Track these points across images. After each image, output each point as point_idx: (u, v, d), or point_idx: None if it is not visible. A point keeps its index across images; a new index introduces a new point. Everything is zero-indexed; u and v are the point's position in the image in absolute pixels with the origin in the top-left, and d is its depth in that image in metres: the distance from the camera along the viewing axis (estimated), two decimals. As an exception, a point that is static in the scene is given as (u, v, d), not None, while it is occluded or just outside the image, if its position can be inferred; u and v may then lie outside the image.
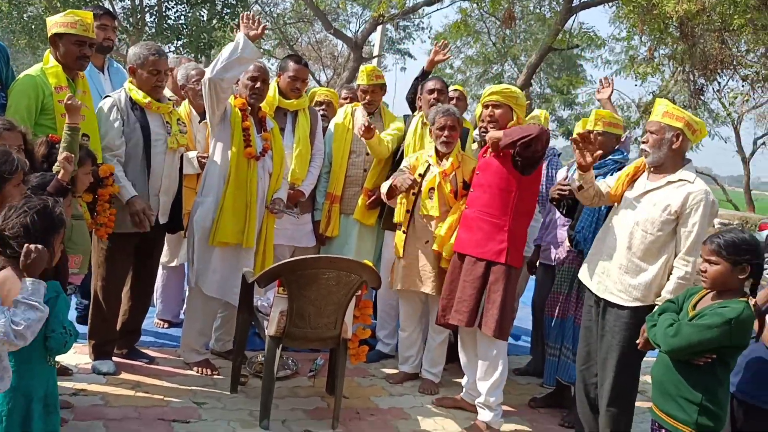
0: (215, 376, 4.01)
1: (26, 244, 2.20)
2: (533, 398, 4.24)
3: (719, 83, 10.47)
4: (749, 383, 2.90)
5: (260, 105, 4.07)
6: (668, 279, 3.16)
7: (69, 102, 3.17)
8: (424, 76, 4.81)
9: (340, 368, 3.62)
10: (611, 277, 3.30)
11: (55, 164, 3.06)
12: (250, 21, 3.74)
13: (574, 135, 3.49)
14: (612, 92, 4.66)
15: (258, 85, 3.95)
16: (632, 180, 3.39)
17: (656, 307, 3.04)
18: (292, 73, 4.36)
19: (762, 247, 2.80)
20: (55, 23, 3.57)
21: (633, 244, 3.23)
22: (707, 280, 2.73)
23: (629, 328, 3.23)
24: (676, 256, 3.15)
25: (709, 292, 2.77)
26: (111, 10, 4.82)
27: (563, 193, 3.91)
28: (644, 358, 3.34)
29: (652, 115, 3.31)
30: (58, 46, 3.57)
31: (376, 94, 4.70)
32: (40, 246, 2.21)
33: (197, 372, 4.03)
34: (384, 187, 4.13)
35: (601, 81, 4.79)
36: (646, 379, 3.57)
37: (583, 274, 3.53)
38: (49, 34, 3.60)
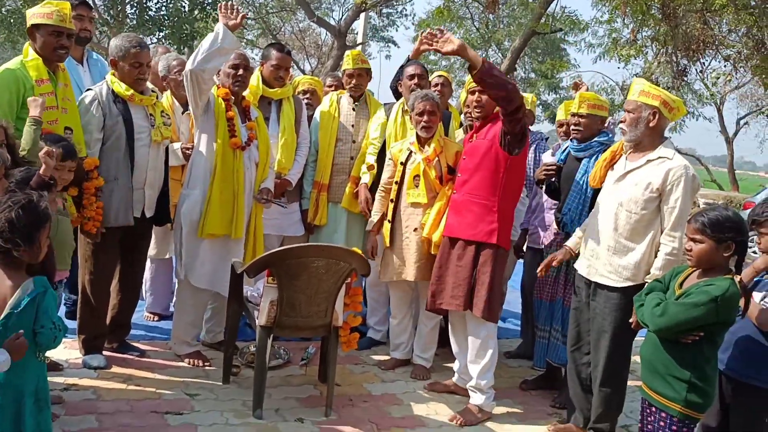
0: (207, 368, 4.01)
1: (16, 333, 2.18)
2: (524, 380, 4.28)
3: (702, 64, 10.51)
4: (737, 360, 2.93)
5: (243, 94, 4.04)
6: (656, 256, 3.20)
7: (31, 99, 3.17)
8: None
9: (332, 356, 3.63)
10: (600, 260, 3.32)
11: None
12: (229, 11, 3.70)
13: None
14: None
15: (240, 72, 3.92)
16: (610, 164, 3.43)
17: (645, 286, 3.07)
18: (275, 62, 4.34)
19: (746, 224, 2.83)
20: (33, 14, 3.53)
21: (619, 225, 3.26)
22: (693, 258, 2.76)
23: (620, 308, 3.26)
24: (662, 233, 3.19)
25: (694, 271, 2.80)
26: (88, 0, 4.72)
27: (550, 173, 3.95)
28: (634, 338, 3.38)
29: (629, 95, 3.34)
30: (35, 37, 3.52)
31: (362, 78, 4.68)
32: (26, 340, 2.19)
33: (189, 364, 4.03)
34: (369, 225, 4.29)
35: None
36: (635, 358, 3.61)
37: (578, 263, 3.55)
38: (27, 26, 3.55)
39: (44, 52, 3.53)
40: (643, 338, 2.97)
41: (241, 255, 3.96)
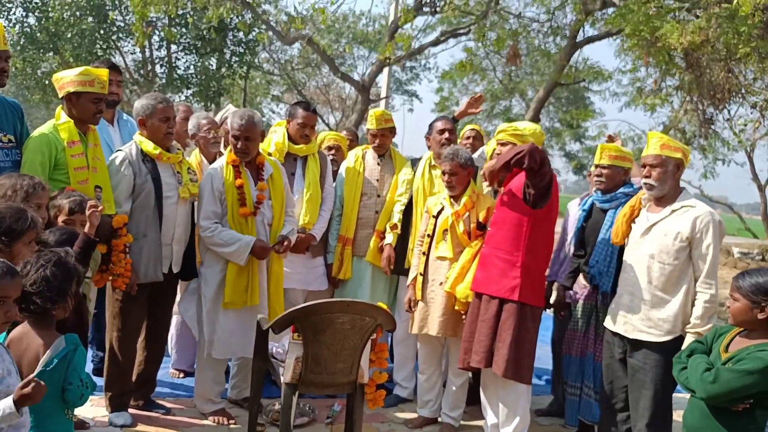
0: (232, 426, 3.97)
1: (28, 379, 2.06)
2: (556, 439, 4.15)
3: (729, 111, 10.45)
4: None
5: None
6: (692, 306, 3.16)
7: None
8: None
9: (358, 414, 3.55)
10: (637, 315, 3.27)
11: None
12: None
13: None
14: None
15: (239, 145, 3.90)
16: (631, 219, 3.41)
17: (686, 344, 2.99)
18: (300, 120, 4.40)
19: None
20: (71, 81, 3.61)
21: (653, 277, 3.22)
22: (730, 316, 2.71)
23: (661, 364, 3.20)
24: (695, 281, 3.18)
25: (739, 333, 2.71)
26: (117, 63, 4.84)
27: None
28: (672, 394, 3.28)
29: (648, 149, 3.35)
30: (74, 103, 3.62)
31: (386, 137, 4.72)
32: (42, 382, 2.07)
33: (213, 422, 3.98)
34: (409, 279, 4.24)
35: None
36: (676, 417, 3.49)
37: (608, 322, 3.48)
38: (62, 93, 3.64)
39: (83, 116, 3.64)
40: (681, 394, 2.87)
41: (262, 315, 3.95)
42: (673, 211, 3.24)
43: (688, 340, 3.09)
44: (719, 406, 2.62)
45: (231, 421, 4.00)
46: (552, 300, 4.41)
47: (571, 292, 4.14)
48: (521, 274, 3.58)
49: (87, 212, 3.07)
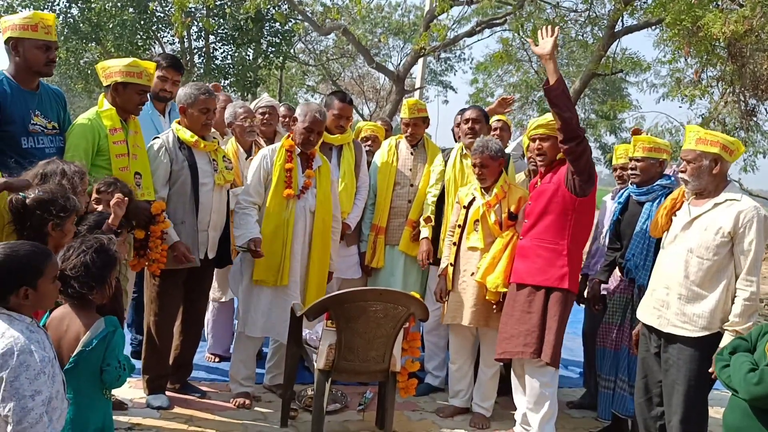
0: (265, 411, 4.02)
1: None
2: (589, 432, 4.12)
3: (772, 103, 10.13)
4: None
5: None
6: (732, 303, 3.08)
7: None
8: None
9: (390, 402, 3.59)
10: (671, 309, 3.21)
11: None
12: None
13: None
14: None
15: (312, 137, 4.03)
16: (672, 212, 3.34)
17: (724, 342, 2.94)
18: (336, 111, 4.43)
19: None
20: (120, 71, 3.67)
21: (690, 272, 3.15)
22: None
23: (695, 360, 3.13)
24: (736, 278, 3.09)
25: None
26: (180, 62, 4.70)
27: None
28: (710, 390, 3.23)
29: (685, 144, 3.26)
30: (120, 92, 3.70)
31: (419, 127, 4.73)
32: None
33: (234, 405, 4.05)
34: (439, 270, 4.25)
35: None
36: (713, 414, 3.44)
37: (641, 314, 3.43)
38: (107, 81, 3.71)
39: (126, 106, 3.72)
40: (719, 391, 2.81)
41: (296, 300, 4.00)
42: (716, 204, 3.15)
43: (726, 338, 3.03)
44: (763, 407, 2.57)
45: (248, 403, 4.05)
46: (585, 294, 4.37)
47: (606, 285, 4.10)
48: (568, 263, 3.60)
49: (112, 203, 3.13)
